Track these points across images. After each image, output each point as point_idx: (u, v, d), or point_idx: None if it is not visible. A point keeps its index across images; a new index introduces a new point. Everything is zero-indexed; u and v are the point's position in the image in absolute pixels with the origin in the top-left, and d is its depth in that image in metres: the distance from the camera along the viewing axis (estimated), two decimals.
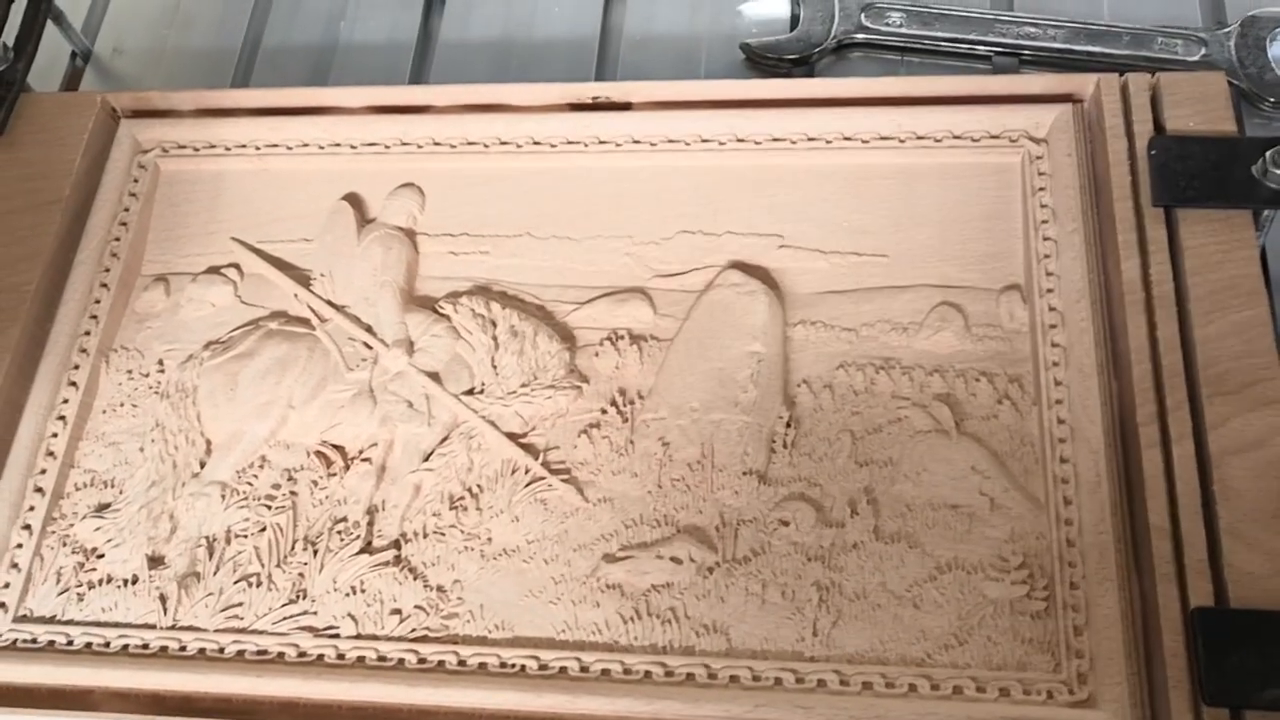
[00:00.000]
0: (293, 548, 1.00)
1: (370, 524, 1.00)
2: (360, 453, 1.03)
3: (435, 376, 1.05)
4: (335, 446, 1.04)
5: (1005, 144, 1.08)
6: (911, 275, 1.05)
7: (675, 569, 0.95)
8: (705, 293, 1.06)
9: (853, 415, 0.99)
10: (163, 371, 1.09)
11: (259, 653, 0.95)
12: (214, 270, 1.13)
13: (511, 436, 1.02)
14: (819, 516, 0.96)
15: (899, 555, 0.93)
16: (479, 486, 1.00)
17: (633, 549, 0.96)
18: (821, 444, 0.99)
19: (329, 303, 1.10)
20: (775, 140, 1.11)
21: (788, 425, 0.99)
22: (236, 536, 1.01)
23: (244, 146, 1.19)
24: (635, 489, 0.99)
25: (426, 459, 1.02)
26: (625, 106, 1.15)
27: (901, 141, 1.10)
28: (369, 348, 1.07)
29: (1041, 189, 1.05)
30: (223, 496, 1.02)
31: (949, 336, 1.02)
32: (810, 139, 1.11)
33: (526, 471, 1.00)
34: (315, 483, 1.02)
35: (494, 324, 1.06)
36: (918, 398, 1.00)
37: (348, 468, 1.03)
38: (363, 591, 0.97)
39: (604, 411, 1.02)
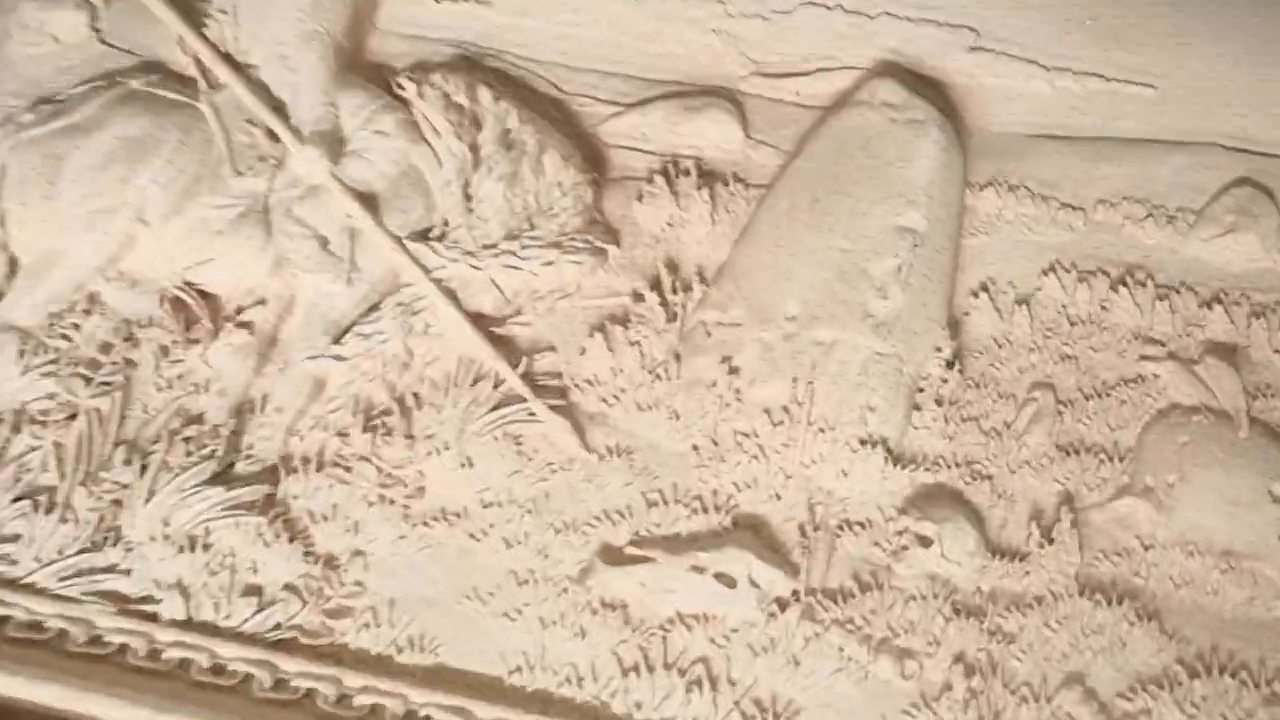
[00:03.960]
0: (110, 455, 0.64)
1: (236, 432, 0.65)
2: (239, 310, 0.69)
3: (371, 200, 0.66)
4: (202, 293, 0.69)
5: None
6: (1192, 123, 0.64)
7: (723, 595, 0.56)
8: (838, 112, 0.65)
9: (1062, 359, 0.62)
10: None
11: (28, 626, 0.60)
12: None
13: (480, 320, 0.64)
14: (981, 535, 0.56)
15: (1120, 629, 0.55)
16: (416, 396, 0.64)
17: (655, 545, 0.59)
18: (1002, 403, 0.61)
19: (227, 56, 0.70)
20: None
21: (948, 365, 0.60)
22: (32, 421, 0.65)
23: None
24: (673, 438, 0.62)
25: (340, 337, 0.66)
26: None
27: None
28: (274, 138, 0.69)
29: None
30: (21, 352, 0.66)
31: (1250, 241, 0.62)
32: None
33: (496, 384, 0.63)
34: (165, 349, 0.68)
35: (478, 124, 0.65)
36: (1180, 344, 0.60)
37: (216, 331, 0.68)
38: (206, 547, 0.62)
39: (639, 297, 0.65)
